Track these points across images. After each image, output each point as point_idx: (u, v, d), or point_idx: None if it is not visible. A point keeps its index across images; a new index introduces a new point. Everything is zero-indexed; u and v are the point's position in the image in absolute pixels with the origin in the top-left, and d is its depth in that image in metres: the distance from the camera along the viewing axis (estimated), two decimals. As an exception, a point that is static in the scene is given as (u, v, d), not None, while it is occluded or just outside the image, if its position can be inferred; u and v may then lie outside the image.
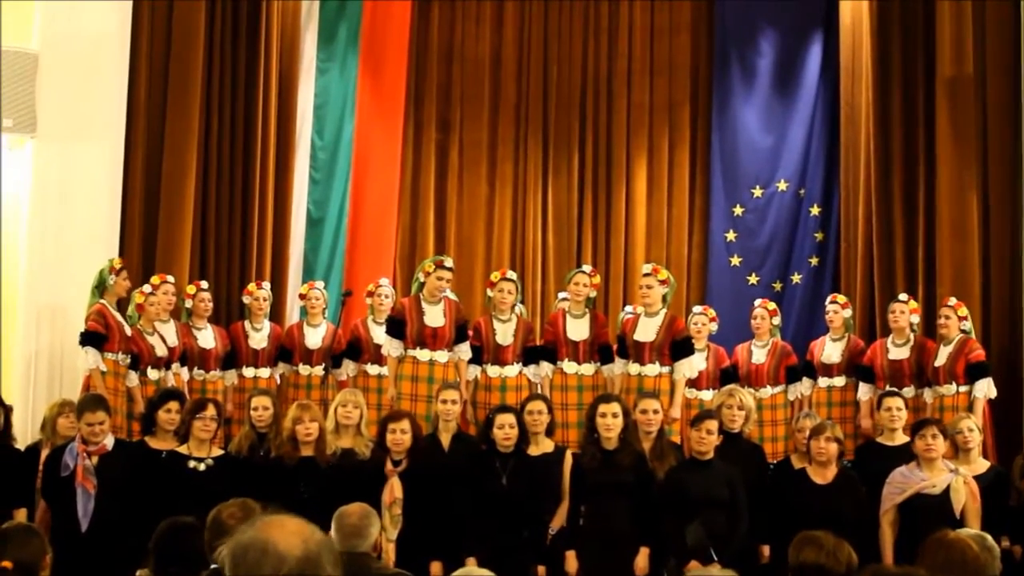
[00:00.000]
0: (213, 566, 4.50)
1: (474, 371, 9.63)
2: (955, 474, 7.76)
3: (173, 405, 8.21)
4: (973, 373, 9.46)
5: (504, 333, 9.65)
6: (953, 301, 9.87)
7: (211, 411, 8.05)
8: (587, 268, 10.06)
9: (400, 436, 8.04)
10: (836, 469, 8.02)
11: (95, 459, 7.78)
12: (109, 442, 7.90)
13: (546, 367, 9.65)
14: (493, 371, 9.63)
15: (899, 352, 9.89)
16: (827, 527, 5.14)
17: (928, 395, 9.70)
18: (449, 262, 9.91)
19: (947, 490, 7.68)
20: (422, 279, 9.63)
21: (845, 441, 9.31)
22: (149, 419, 8.29)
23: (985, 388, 9.45)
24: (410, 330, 9.43)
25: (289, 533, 2.88)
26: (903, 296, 10.20)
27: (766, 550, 8.12)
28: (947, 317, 9.75)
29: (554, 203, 13.11)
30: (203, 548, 4.65)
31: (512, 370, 9.64)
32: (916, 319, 10.04)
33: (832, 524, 5.48)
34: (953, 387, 9.49)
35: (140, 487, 7.80)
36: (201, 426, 7.97)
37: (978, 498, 7.70)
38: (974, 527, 7.19)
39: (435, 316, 9.50)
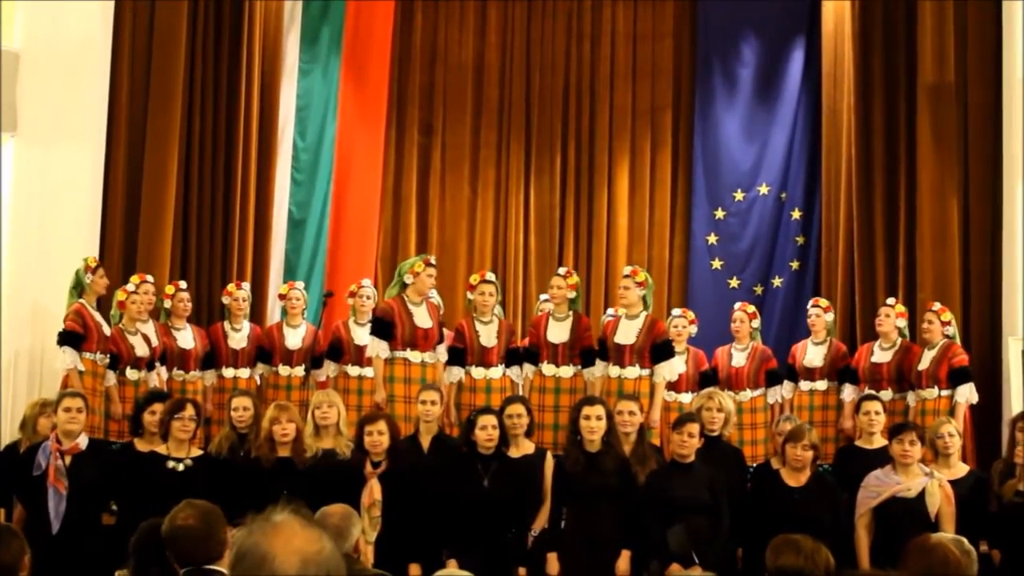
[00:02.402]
0: (185, 568, 4.49)
1: (458, 373, 9.60)
2: (930, 477, 7.77)
3: (157, 407, 8.19)
4: (955, 378, 9.49)
5: (488, 335, 9.62)
6: (937, 306, 9.89)
7: (189, 411, 8.01)
8: (561, 270, 10.01)
9: (377, 438, 8.02)
10: (810, 472, 8.01)
11: (68, 459, 7.74)
12: (83, 442, 7.86)
13: (528, 369, 9.64)
14: (478, 373, 9.59)
15: (882, 355, 9.92)
16: (799, 530, 5.14)
17: (911, 399, 9.71)
18: (434, 259, 9.92)
19: (922, 493, 7.69)
20: (409, 280, 9.57)
21: (826, 445, 9.38)
22: (136, 421, 8.27)
23: (967, 393, 9.47)
24: (400, 332, 9.39)
25: (292, 550, 2.74)
26: (890, 300, 10.24)
27: (739, 553, 8.13)
28: (930, 322, 9.76)
29: (536, 206, 13.11)
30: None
31: (497, 372, 9.61)
32: (903, 323, 10.05)
33: (804, 527, 5.49)
34: (935, 391, 9.51)
35: (117, 488, 7.79)
36: (180, 426, 7.93)
37: (953, 501, 7.71)
38: (949, 531, 7.20)
39: (423, 317, 9.48)
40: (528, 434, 8.30)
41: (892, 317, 9.98)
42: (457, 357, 9.58)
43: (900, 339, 10.00)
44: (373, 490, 7.92)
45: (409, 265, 9.72)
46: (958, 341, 9.82)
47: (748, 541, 7.72)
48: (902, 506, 7.67)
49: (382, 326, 9.47)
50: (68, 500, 7.65)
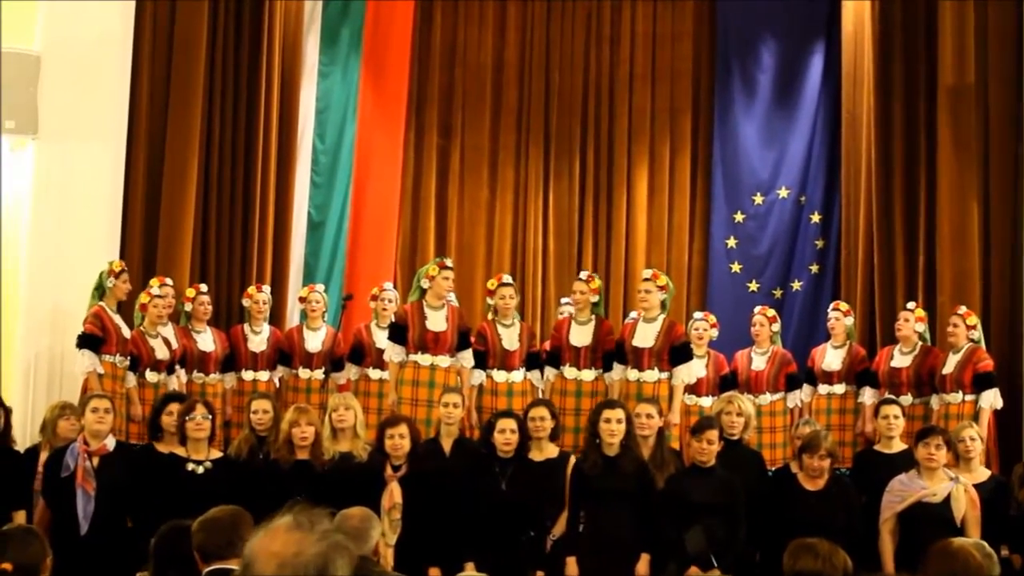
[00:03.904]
0: (208, 569, 4.50)
1: (480, 376, 9.62)
2: (956, 482, 7.73)
3: (174, 407, 8.20)
4: (980, 383, 9.46)
5: (510, 338, 9.65)
6: (963, 309, 9.86)
7: (200, 410, 8.04)
8: (583, 275, 10.03)
9: (399, 441, 8.03)
10: (828, 476, 7.99)
11: (96, 460, 7.78)
12: (110, 443, 7.90)
13: (549, 372, 9.65)
14: (500, 376, 9.62)
15: (901, 360, 9.90)
16: (816, 533, 5.14)
17: (935, 402, 9.68)
18: (449, 261, 9.92)
19: (947, 499, 7.66)
20: (426, 285, 9.59)
21: (844, 449, 9.38)
22: (154, 425, 8.29)
23: (991, 398, 9.44)
24: (412, 334, 9.42)
25: (270, 553, 2.75)
26: (910, 304, 10.21)
27: (757, 556, 8.11)
28: (955, 325, 9.74)
29: (555, 208, 13.11)
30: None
31: (519, 375, 9.65)
32: (922, 327, 10.03)
33: (822, 530, 5.48)
34: (959, 395, 9.48)
35: (141, 489, 7.81)
36: (193, 426, 7.98)
37: (978, 506, 7.68)
38: (974, 536, 7.17)
39: (437, 321, 9.49)
40: (553, 438, 8.29)
41: (912, 321, 9.96)
42: (479, 360, 9.60)
43: (920, 343, 9.97)
44: (393, 493, 7.93)
45: (425, 270, 9.75)
46: (983, 345, 9.78)
47: (766, 544, 7.69)
48: (927, 511, 7.64)
49: (397, 330, 9.52)
50: (96, 501, 7.68)
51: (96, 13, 10.63)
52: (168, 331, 9.96)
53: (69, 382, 9.85)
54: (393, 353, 9.48)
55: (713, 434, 7.86)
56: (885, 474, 8.10)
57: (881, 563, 7.63)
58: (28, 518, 7.93)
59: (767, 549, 7.64)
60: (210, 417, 8.10)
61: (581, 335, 9.61)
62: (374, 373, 10.20)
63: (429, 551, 7.84)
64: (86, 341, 9.31)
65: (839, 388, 10.15)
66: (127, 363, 9.50)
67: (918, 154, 11.30)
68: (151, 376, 9.67)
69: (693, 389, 9.87)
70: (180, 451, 8.03)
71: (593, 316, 9.71)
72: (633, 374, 9.42)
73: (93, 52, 10.63)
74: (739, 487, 7.80)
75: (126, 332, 9.56)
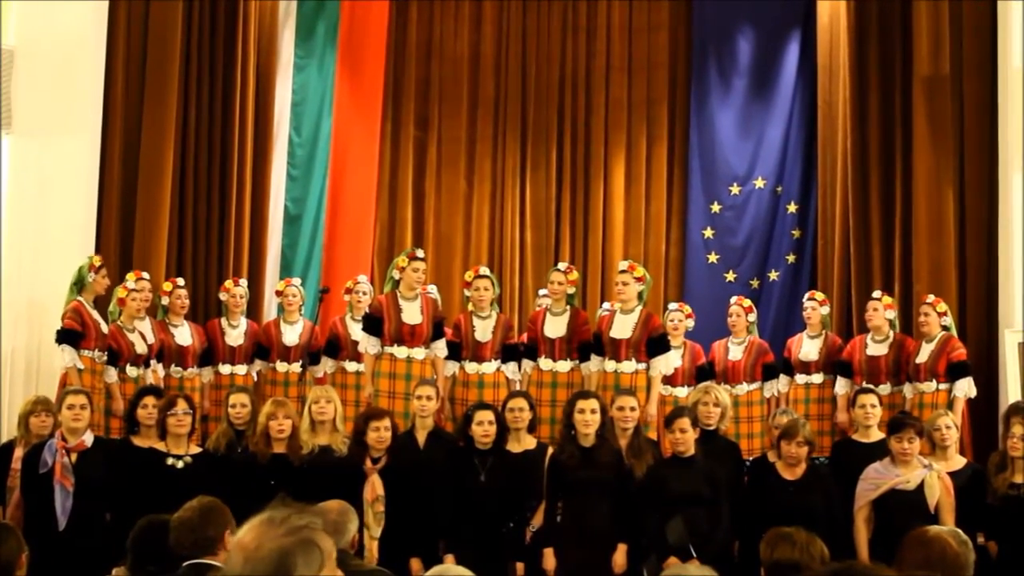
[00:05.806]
0: (186, 563, 4.51)
1: (452, 367, 9.63)
2: (929, 469, 7.78)
3: (149, 400, 8.18)
4: (954, 372, 9.49)
5: (483, 330, 9.66)
6: (931, 298, 9.89)
7: (181, 406, 8.02)
8: (562, 266, 10.06)
9: (383, 434, 8.02)
10: (805, 465, 8.02)
11: (74, 456, 7.74)
12: (88, 439, 7.85)
13: (526, 364, 9.65)
14: (471, 367, 9.63)
15: (877, 348, 9.92)
16: (795, 522, 5.16)
17: (908, 391, 9.71)
18: (421, 253, 9.88)
19: (921, 485, 7.70)
20: (397, 276, 9.60)
21: (822, 438, 9.39)
22: (131, 419, 8.26)
23: (965, 387, 9.47)
24: (388, 327, 9.41)
25: (240, 546, 2.83)
26: (877, 293, 10.24)
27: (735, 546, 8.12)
28: (926, 314, 9.77)
29: (532, 200, 13.10)
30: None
31: (490, 367, 9.65)
32: (892, 315, 10.05)
33: (801, 520, 5.50)
34: (933, 384, 9.51)
35: (121, 485, 7.78)
36: (174, 422, 7.95)
37: (952, 493, 7.72)
38: (948, 523, 7.21)
39: (413, 313, 9.48)
40: (531, 429, 8.29)
41: (881, 311, 9.99)
42: (452, 351, 9.60)
43: (892, 331, 10.01)
44: (375, 486, 7.91)
45: (396, 261, 9.75)
46: (954, 331, 9.82)
47: (745, 534, 7.72)
48: (901, 498, 7.67)
49: (372, 322, 9.51)
50: (75, 497, 7.64)
51: (71, 7, 10.65)
52: (145, 325, 9.93)
53: (46, 376, 9.84)
54: (368, 345, 9.47)
55: (684, 422, 7.85)
56: (863, 463, 8.10)
57: (855, 550, 7.67)
58: (2, 514, 7.91)
59: (745, 538, 7.67)
60: (191, 412, 8.08)
61: (556, 326, 9.63)
62: (350, 366, 10.17)
63: (410, 543, 7.83)
64: (65, 336, 9.27)
65: (817, 378, 10.17)
66: (104, 358, 9.46)
67: (894, 144, 11.35)
68: (131, 371, 9.63)
69: (668, 380, 9.89)
70: (159, 445, 7.99)
71: (568, 307, 9.73)
72: (610, 365, 9.43)
73: (68, 45, 10.62)
74: (722, 478, 7.81)
75: (104, 327, 9.53)
